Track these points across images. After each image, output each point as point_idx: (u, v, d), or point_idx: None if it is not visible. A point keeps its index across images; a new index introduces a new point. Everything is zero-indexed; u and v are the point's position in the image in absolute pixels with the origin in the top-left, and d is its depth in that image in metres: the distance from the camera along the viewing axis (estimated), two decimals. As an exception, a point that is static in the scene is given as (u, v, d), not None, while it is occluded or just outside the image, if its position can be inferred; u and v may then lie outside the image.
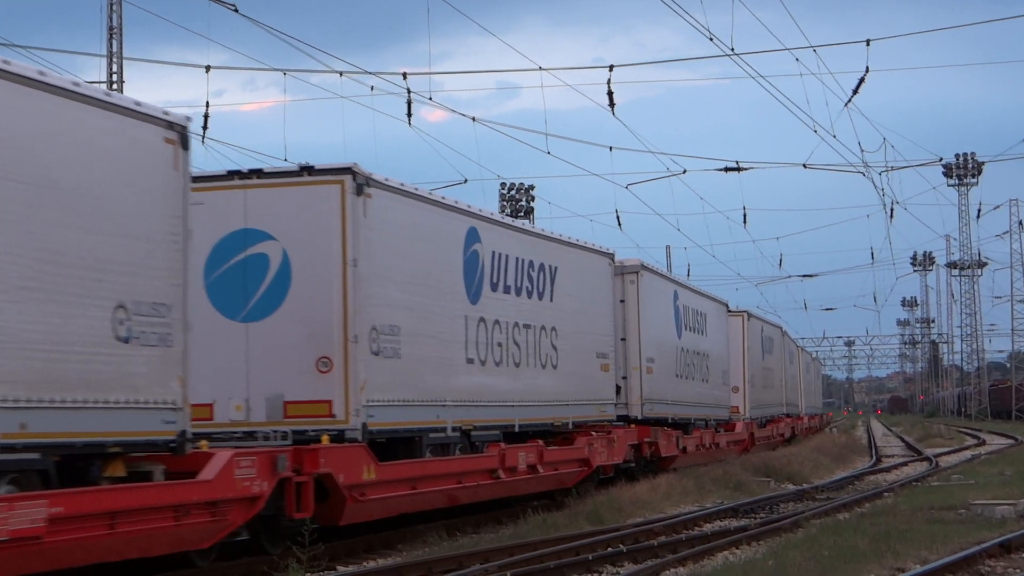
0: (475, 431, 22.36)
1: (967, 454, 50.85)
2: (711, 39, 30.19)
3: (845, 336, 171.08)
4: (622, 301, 30.75)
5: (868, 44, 32.30)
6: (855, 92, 35.37)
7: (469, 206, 22.81)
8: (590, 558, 17.57)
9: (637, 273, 31.32)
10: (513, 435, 24.01)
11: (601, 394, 28.31)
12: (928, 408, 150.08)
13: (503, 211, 77.69)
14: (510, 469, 22.99)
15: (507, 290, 23.92)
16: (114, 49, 37.52)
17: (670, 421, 34.07)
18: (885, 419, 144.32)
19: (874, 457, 50.33)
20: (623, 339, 30.60)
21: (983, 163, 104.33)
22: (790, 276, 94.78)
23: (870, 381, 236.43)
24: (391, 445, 20.16)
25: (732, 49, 31.20)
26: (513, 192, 74.84)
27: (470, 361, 22.30)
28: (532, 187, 75.50)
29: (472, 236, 22.63)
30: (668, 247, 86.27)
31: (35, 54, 63.63)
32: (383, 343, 19.42)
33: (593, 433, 27.32)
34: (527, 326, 24.63)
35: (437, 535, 20.40)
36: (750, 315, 48.57)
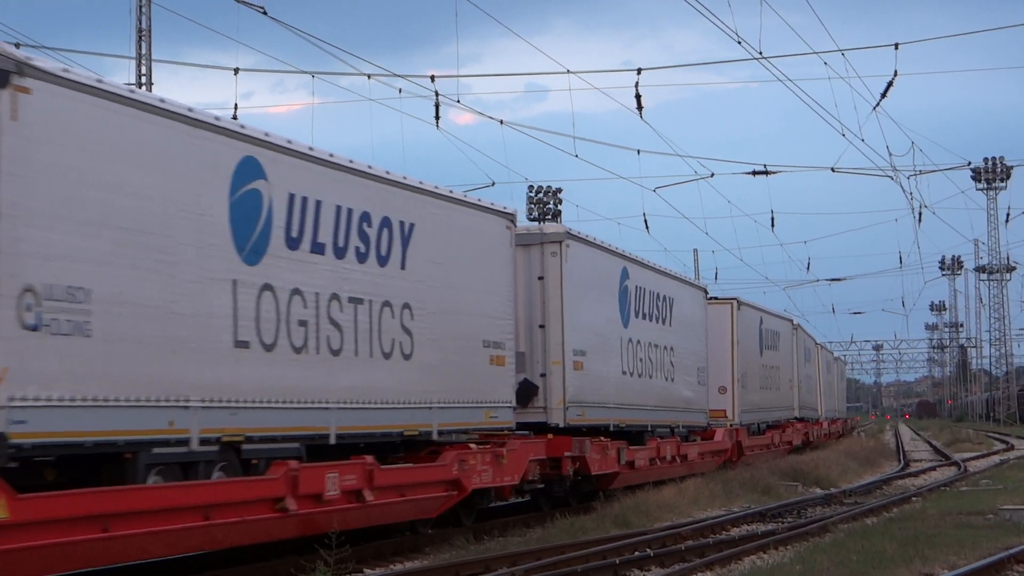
0: (249, 444, 15.67)
1: (995, 459, 49.77)
2: (739, 42, 30.11)
3: (873, 340, 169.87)
4: (540, 278, 24.14)
5: (896, 48, 32.91)
6: (883, 96, 35.58)
7: (244, 127, 16.17)
8: (617, 562, 17.48)
9: (561, 243, 24.37)
10: (333, 449, 17.37)
11: (490, 394, 21.40)
12: (956, 413, 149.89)
13: (530, 214, 72.73)
14: (311, 497, 16.29)
15: (318, 249, 17.13)
16: (143, 51, 36.93)
17: (612, 428, 27.14)
18: (913, 423, 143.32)
19: (902, 461, 49.60)
20: (541, 326, 23.99)
21: (1012, 167, 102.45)
22: (818, 280, 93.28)
23: (898, 385, 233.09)
24: (85, 466, 13.64)
25: (760, 53, 31.26)
26: (540, 195, 75.83)
27: (242, 345, 15.59)
28: (560, 190, 76.92)
29: (249, 169, 15.91)
30: (696, 250, 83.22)
31: (64, 55, 61.02)
32: (51, 313, 12.79)
33: (472, 447, 20.62)
34: (357, 300, 17.81)
35: (464, 538, 20.05)
36: (740, 303, 40.41)
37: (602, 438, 26.18)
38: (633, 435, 28.75)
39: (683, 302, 33.36)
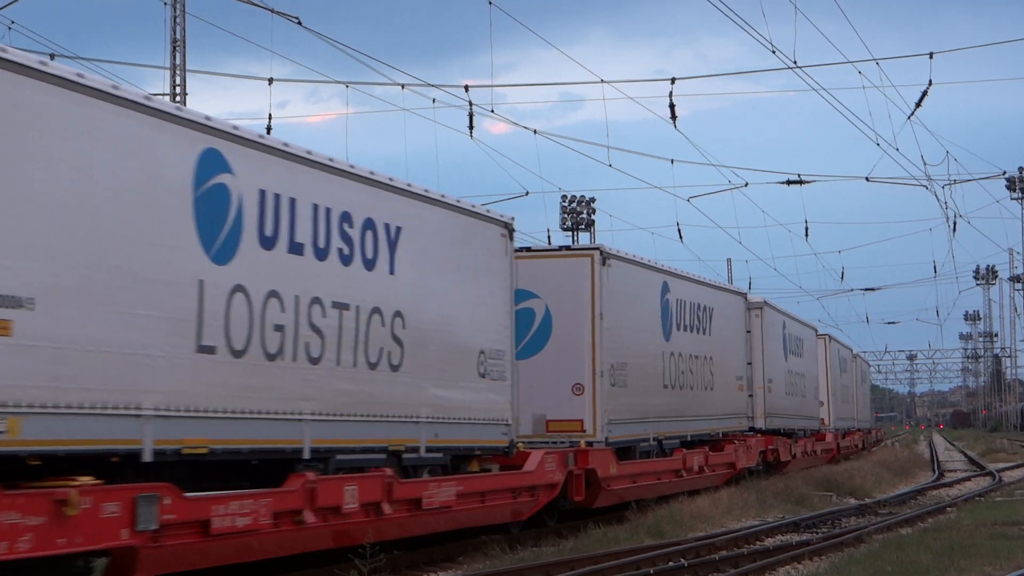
0: None
1: (1031, 469, 50.22)
2: (774, 52, 30.41)
3: (907, 350, 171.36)
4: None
5: (931, 57, 33.11)
6: (918, 105, 35.71)
7: None
8: (651, 572, 17.61)
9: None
10: None
11: None
12: (991, 423, 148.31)
13: (563, 224, 72.61)
14: None
15: None
16: (177, 61, 37.49)
17: (151, 459, 13.32)
18: (947, 433, 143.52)
19: (937, 472, 49.18)
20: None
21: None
22: (852, 290, 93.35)
23: (932, 395, 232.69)
24: None
25: (795, 62, 31.59)
26: (574, 205, 75.45)
27: None
28: (593, 199, 76.09)
29: None
30: (729, 260, 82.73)
31: (99, 66, 62.46)
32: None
33: None
34: None
35: (498, 548, 20.23)
36: (607, 255, 25.62)
37: (88, 480, 12.42)
38: (271, 470, 15.65)
39: (431, 234, 19.19)
